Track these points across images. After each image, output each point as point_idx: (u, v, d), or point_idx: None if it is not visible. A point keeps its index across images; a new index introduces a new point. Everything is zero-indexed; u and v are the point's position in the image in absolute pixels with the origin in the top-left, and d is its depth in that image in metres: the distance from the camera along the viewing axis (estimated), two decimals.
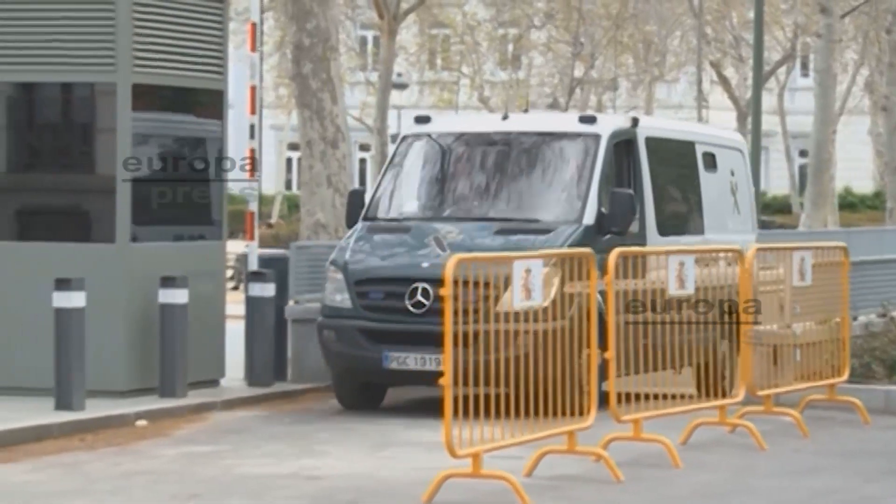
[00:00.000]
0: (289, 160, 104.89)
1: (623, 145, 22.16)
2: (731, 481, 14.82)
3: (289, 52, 26.94)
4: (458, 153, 23.07)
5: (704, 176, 24.28)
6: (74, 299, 21.40)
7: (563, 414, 15.68)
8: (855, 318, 20.31)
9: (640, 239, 22.16)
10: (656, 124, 28.32)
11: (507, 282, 16.60)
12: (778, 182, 64.53)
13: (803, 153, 53.72)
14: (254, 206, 30.40)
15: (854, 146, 59.22)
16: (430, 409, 17.63)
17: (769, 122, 52.26)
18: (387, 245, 22.28)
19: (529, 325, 16.53)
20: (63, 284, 21.14)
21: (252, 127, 29.55)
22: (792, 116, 59.92)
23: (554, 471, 14.94)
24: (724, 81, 58.27)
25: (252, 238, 30.03)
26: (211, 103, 26.10)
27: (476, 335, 15.21)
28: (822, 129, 45.69)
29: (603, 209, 20.04)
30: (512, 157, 22.43)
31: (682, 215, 25.20)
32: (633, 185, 22.09)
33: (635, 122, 22.00)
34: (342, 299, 21.16)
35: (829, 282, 19.35)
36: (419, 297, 19.58)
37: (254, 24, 23.15)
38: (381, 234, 22.59)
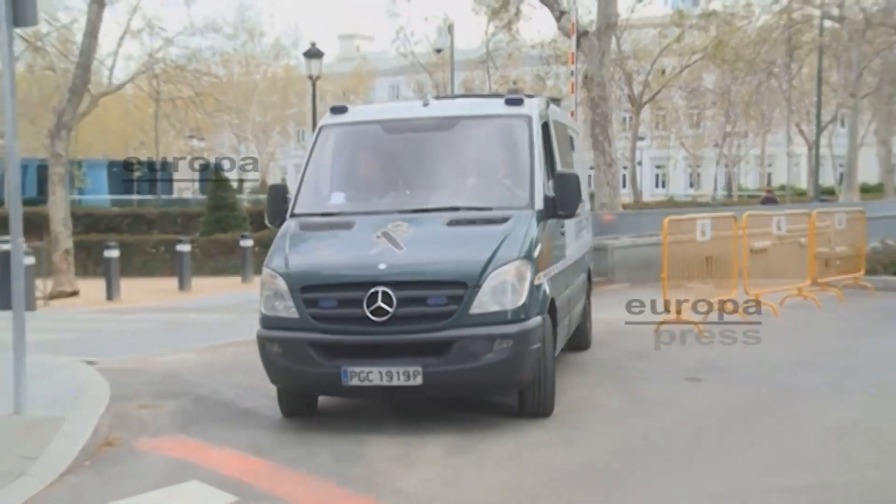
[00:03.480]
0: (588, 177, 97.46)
1: (544, 127, 11.55)
2: (817, 320, 14.27)
3: (588, 125, 26.03)
4: (385, 141, 11.63)
5: (574, 156, 14.10)
6: None
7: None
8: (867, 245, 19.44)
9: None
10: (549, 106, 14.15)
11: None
12: (827, 180, 62.17)
13: (842, 165, 51.33)
14: None
15: (868, 160, 56.64)
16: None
17: (824, 152, 50.46)
18: (330, 244, 10.63)
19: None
20: None
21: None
22: (836, 148, 57.32)
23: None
24: (801, 132, 56.11)
25: None
26: None
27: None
28: (851, 153, 43.99)
29: (547, 193, 10.24)
30: (443, 143, 11.28)
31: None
32: (551, 166, 11.38)
33: (548, 103, 11.61)
34: (285, 308, 9.98)
35: (855, 227, 18.60)
36: (380, 303, 9.21)
37: (572, 112, 22.40)
38: (319, 231, 10.77)
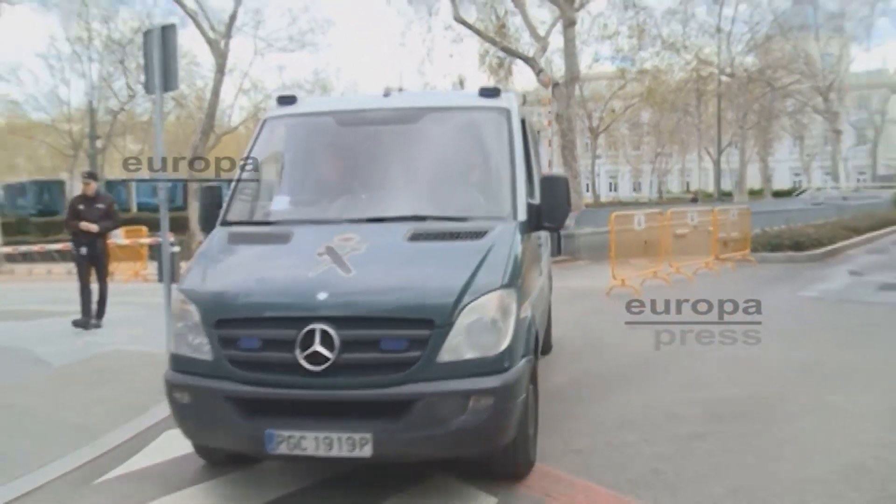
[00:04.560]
0: None
1: (523, 124, 5.99)
2: (717, 283, 14.24)
3: (559, 148, 25.90)
4: (338, 136, 6.00)
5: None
6: None
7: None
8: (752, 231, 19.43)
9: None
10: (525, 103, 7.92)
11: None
12: (726, 186, 61.59)
13: (735, 175, 51.11)
14: None
15: (753, 172, 56.18)
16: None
17: (724, 166, 50.23)
18: (260, 262, 4.94)
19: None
20: None
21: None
22: (732, 164, 56.85)
23: (650, 286, 14.21)
24: (708, 153, 55.57)
25: None
26: None
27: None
28: (741, 168, 44.35)
29: (530, 199, 5.33)
30: (406, 139, 5.81)
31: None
32: (528, 169, 5.88)
33: (524, 99, 7.93)
34: (199, 346, 4.49)
35: (744, 219, 18.64)
36: (317, 346, 4.17)
37: (549, 140, 22.13)
38: (249, 244, 5.21)
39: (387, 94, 6.07)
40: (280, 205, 5.75)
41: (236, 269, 4.97)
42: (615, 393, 7.13)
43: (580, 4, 26.88)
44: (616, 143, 67.12)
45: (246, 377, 4.34)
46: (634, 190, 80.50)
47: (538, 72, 26.22)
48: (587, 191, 51.38)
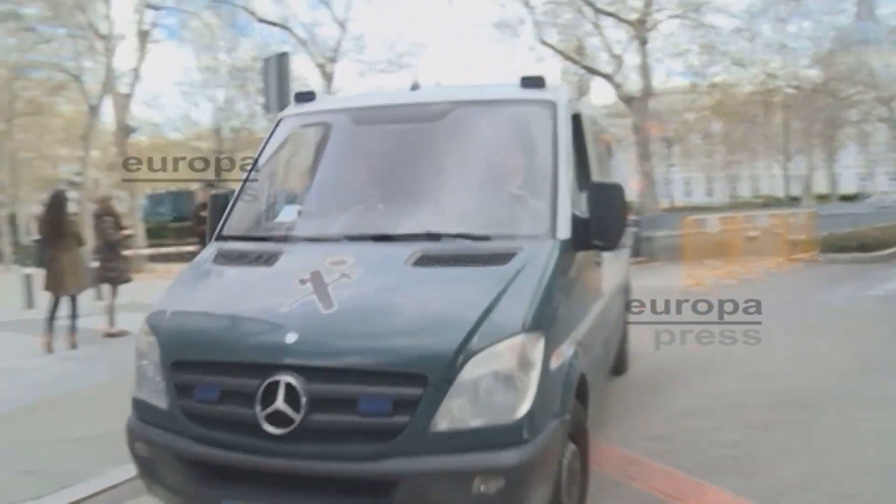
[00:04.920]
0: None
1: (575, 121, 4.01)
2: (787, 283, 13.86)
3: (636, 157, 25.67)
4: (354, 138, 4.22)
5: (612, 164, 6.05)
6: None
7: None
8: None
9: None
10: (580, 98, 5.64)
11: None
12: (794, 191, 59.61)
13: (802, 180, 49.47)
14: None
15: (820, 178, 54.29)
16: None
17: (792, 172, 48.75)
18: (233, 290, 3.45)
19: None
20: None
21: None
22: (799, 170, 54.96)
23: (722, 285, 13.81)
24: (776, 160, 53.89)
25: None
26: None
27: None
28: (808, 174, 43.01)
29: (577, 212, 3.44)
30: (430, 140, 3.88)
31: None
32: (584, 175, 4.06)
33: (580, 94, 4.84)
34: (158, 390, 3.10)
35: (811, 222, 18.15)
36: (279, 405, 2.75)
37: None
38: (232, 266, 3.63)
39: (415, 88, 4.63)
40: (282, 216, 4.34)
41: (205, 299, 3.67)
42: (685, 383, 7.04)
43: (652, 25, 26.66)
44: (690, 151, 65.70)
45: (201, 434, 3.13)
46: (707, 195, 78.83)
47: (617, 87, 26.20)
48: (663, 196, 50.65)
